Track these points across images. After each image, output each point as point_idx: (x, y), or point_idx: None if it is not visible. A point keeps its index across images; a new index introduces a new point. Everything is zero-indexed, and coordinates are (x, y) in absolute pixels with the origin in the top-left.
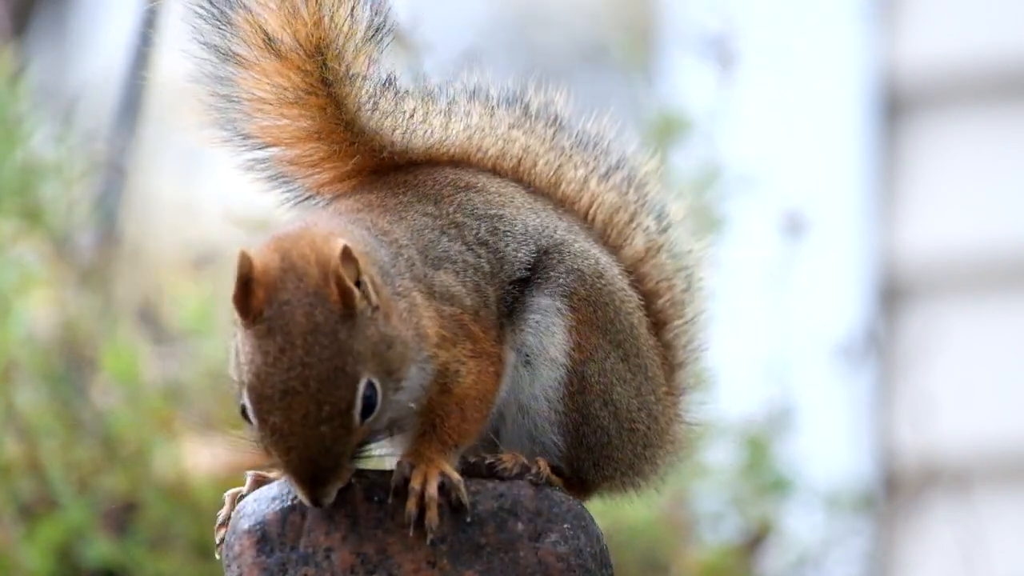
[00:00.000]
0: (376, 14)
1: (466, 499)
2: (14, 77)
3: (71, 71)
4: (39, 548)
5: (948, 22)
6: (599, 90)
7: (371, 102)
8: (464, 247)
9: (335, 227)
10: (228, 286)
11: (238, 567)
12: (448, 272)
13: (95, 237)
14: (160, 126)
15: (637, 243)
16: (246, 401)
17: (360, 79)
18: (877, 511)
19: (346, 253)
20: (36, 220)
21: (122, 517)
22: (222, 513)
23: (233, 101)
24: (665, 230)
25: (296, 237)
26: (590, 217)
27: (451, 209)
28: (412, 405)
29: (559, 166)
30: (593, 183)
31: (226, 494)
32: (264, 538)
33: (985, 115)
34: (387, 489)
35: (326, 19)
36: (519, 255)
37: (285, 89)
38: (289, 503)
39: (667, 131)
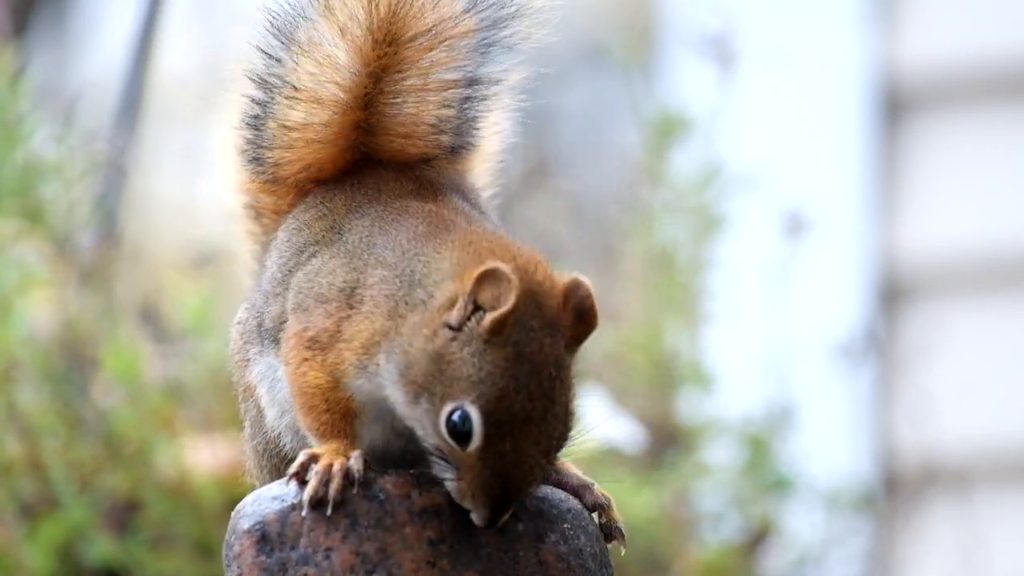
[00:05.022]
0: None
1: None
2: (14, 77)
3: (71, 71)
4: (41, 547)
5: (948, 22)
6: (599, 89)
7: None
8: None
9: (519, 243)
10: (231, 287)
11: (238, 567)
12: None
13: (95, 237)
14: (160, 126)
15: None
16: (474, 418)
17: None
18: (877, 511)
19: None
20: (37, 220)
21: (124, 516)
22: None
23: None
24: None
25: (525, 257)
26: None
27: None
28: None
29: None
30: None
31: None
32: (264, 538)
33: (985, 115)
34: (387, 488)
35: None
36: None
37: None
38: (289, 503)
39: (667, 130)
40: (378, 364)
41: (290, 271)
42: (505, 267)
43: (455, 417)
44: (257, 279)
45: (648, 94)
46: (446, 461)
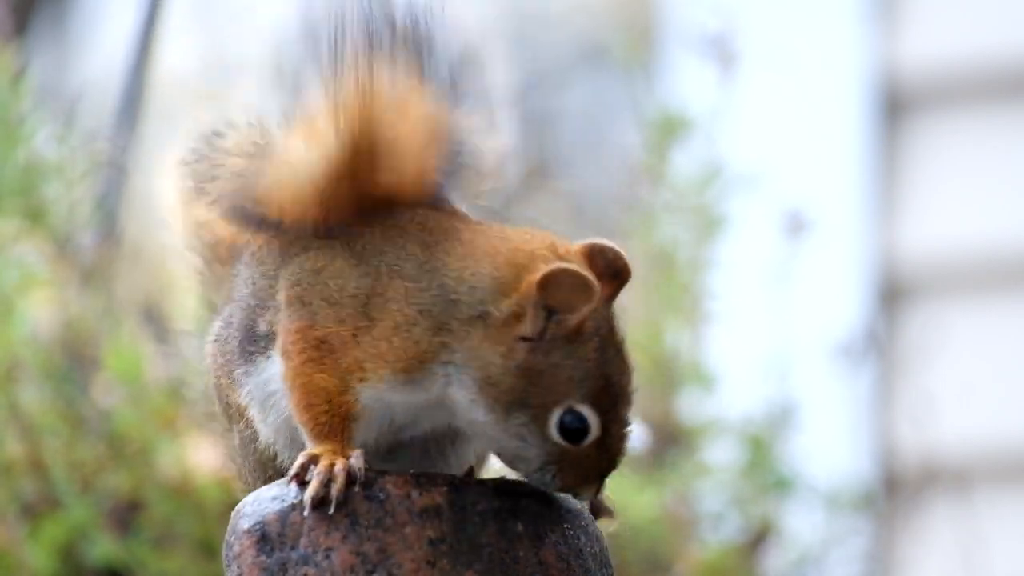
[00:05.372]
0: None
1: None
2: (16, 77)
3: (71, 71)
4: (42, 547)
5: (948, 22)
6: (599, 89)
7: None
8: None
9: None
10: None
11: (238, 567)
12: None
13: (96, 237)
14: (160, 126)
15: None
16: (587, 415)
17: None
18: (877, 511)
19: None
20: (38, 220)
21: (126, 516)
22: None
23: None
24: None
25: (547, 242)
26: None
27: None
28: None
29: None
30: None
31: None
32: (264, 538)
33: (985, 115)
34: (387, 488)
35: None
36: None
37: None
38: (289, 503)
39: (668, 130)
40: (443, 377)
41: (275, 270)
42: (569, 266)
43: (567, 420)
44: (231, 292)
45: (648, 94)
46: (547, 466)
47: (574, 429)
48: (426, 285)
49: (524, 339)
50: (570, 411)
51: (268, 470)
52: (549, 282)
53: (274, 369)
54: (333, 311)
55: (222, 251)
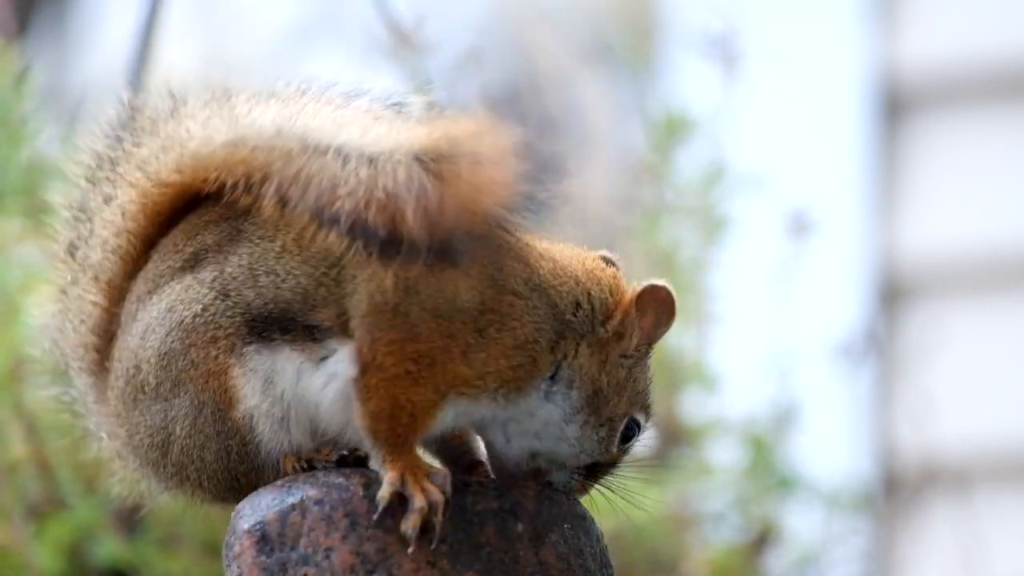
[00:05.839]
0: None
1: None
2: (19, 77)
3: (73, 71)
4: (48, 547)
5: (948, 22)
6: (602, 90)
7: None
8: None
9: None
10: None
11: (238, 567)
12: None
13: None
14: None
15: None
16: (642, 423)
17: None
18: (877, 511)
19: None
20: (40, 220)
21: (131, 516)
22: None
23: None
24: None
25: (603, 267)
26: None
27: None
28: None
29: None
30: None
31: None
32: (264, 538)
33: (985, 115)
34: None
35: None
36: None
37: None
38: (289, 503)
39: (670, 131)
40: (543, 393)
41: (340, 272)
42: (659, 283)
43: (630, 428)
44: (205, 267)
45: (650, 94)
46: (578, 470)
47: (630, 436)
48: (536, 302)
49: (625, 356)
50: (632, 419)
51: (240, 469)
52: (642, 300)
53: (333, 368)
54: (439, 324)
55: (150, 229)
